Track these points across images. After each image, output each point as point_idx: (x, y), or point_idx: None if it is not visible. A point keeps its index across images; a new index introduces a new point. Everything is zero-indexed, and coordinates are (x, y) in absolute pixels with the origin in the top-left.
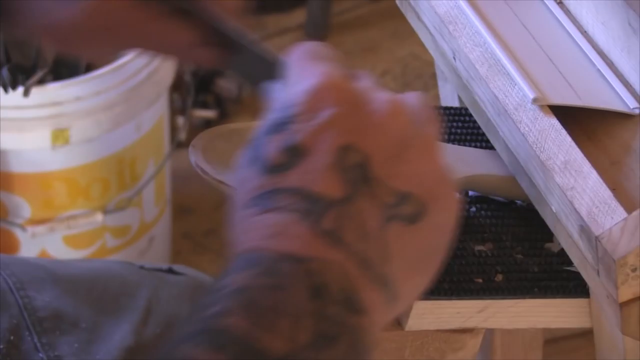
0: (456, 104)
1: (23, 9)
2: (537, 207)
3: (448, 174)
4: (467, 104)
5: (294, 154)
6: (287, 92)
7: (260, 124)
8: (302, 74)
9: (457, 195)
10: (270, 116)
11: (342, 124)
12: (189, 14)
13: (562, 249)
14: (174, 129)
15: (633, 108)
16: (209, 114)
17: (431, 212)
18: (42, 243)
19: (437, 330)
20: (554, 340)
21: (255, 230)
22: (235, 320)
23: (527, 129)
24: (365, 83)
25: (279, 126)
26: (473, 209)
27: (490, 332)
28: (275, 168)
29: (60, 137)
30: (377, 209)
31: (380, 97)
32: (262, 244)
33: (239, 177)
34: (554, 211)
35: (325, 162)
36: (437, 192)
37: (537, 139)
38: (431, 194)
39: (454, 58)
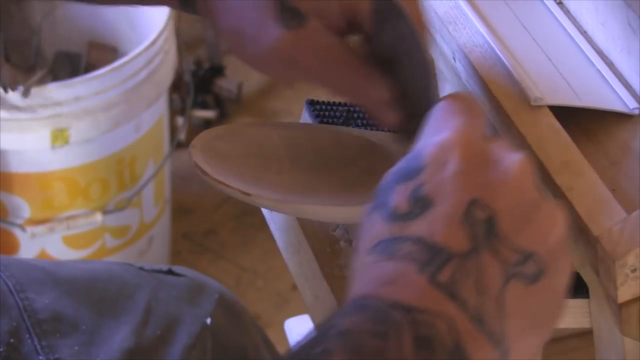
0: None
1: (224, 30)
2: None
3: (567, 238)
4: None
5: (420, 204)
6: (419, 143)
7: (389, 172)
8: (438, 126)
9: (570, 259)
10: (399, 165)
11: (469, 179)
12: (392, 70)
13: None
14: (173, 129)
15: (633, 108)
16: (208, 114)
17: (550, 273)
18: (41, 243)
19: None
20: (553, 340)
21: (371, 277)
22: None
23: (526, 129)
24: (497, 143)
25: (408, 175)
26: None
27: None
28: (401, 216)
29: (59, 137)
30: (499, 266)
31: (511, 156)
32: (375, 292)
33: (364, 222)
34: None
35: (452, 214)
36: (557, 255)
37: (537, 139)
38: (553, 255)
39: (454, 58)
